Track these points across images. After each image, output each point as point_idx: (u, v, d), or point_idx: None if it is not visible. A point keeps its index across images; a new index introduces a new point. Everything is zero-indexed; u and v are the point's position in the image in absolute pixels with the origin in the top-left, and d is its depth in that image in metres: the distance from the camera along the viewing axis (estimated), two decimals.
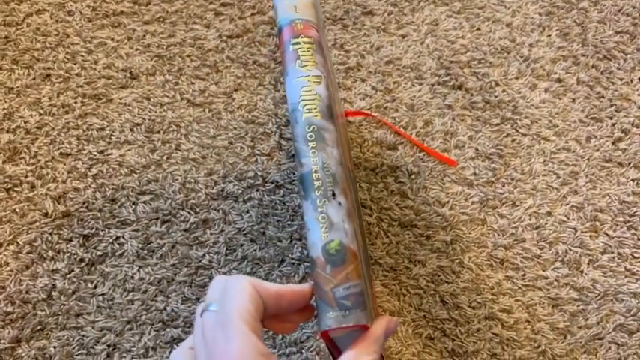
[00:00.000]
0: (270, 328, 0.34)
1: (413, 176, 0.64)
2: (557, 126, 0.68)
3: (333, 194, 0.35)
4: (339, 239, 0.34)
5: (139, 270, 0.58)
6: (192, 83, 0.69)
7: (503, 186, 0.64)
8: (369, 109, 0.69)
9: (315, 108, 0.37)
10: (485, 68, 0.72)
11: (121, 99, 0.67)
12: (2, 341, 0.54)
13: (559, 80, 0.71)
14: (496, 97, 0.70)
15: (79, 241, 0.59)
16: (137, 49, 0.71)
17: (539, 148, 0.67)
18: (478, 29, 0.75)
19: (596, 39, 0.73)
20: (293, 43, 0.39)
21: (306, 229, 0.35)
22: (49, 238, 0.59)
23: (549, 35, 0.74)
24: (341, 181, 0.35)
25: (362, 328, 0.32)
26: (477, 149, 0.66)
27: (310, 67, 0.38)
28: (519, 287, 0.59)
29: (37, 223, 0.60)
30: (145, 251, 0.59)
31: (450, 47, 0.73)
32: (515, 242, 0.61)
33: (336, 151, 0.36)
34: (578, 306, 0.58)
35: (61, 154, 0.63)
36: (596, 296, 0.58)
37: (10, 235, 0.59)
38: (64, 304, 0.56)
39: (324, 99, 0.37)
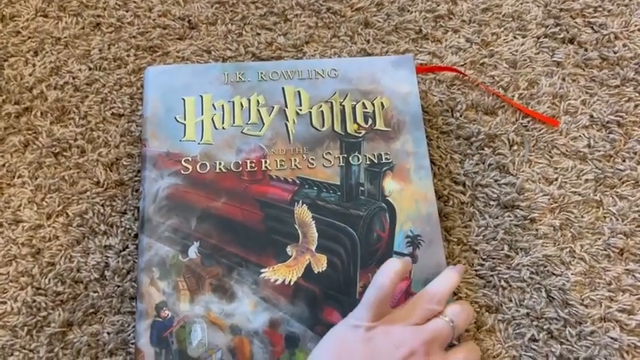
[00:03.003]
0: None
1: (515, 147, 0.55)
2: None
3: None
4: None
5: None
6: (258, 34, 0.60)
7: (624, 161, 0.54)
8: (462, 65, 0.59)
9: None
10: (602, 18, 0.61)
11: (178, 52, 0.59)
12: (52, 325, 0.49)
13: None
14: (615, 52, 0.59)
15: (133, 214, 0.53)
16: None
17: None
18: None
19: None
20: None
21: None
22: (101, 210, 0.53)
23: None
24: None
25: None
26: (591, 116, 0.56)
27: None
28: None
29: (88, 193, 0.53)
30: None
31: None
32: (638, 229, 0.52)
33: None
34: None
35: (112, 114, 0.57)
36: None
37: (59, 206, 0.53)
38: (118, 286, 0.50)
39: None
